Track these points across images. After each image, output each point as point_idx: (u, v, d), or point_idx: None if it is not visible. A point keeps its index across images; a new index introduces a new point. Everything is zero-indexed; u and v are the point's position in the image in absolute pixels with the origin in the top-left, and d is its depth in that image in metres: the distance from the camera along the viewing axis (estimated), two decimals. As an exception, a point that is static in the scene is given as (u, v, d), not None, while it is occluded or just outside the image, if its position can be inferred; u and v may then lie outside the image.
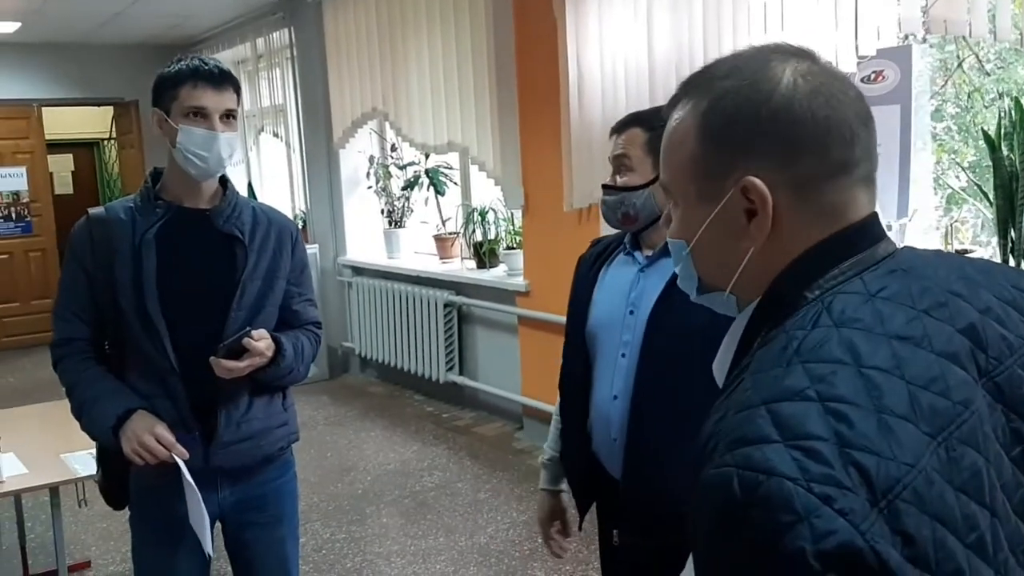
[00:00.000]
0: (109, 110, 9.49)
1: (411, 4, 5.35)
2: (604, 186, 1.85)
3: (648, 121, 1.81)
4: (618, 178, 1.82)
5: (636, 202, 1.79)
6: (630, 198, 1.79)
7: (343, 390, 6.26)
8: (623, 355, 1.80)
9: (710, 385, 1.73)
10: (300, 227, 6.68)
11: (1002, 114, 2.93)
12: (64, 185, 10.64)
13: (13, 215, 8.15)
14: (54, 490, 2.63)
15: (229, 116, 1.92)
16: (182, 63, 1.90)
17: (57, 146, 9.92)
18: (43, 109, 8.28)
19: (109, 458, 1.97)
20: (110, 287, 1.89)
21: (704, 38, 3.51)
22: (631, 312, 1.81)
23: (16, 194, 8.16)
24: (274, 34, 6.85)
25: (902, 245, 0.88)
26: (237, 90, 1.95)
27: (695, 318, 1.75)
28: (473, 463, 4.66)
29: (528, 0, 4.47)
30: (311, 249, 6.30)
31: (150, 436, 1.84)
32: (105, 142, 11.13)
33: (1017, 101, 2.85)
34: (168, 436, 1.86)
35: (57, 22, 6.89)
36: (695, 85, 0.87)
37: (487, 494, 4.23)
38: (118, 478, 2.00)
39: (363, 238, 6.55)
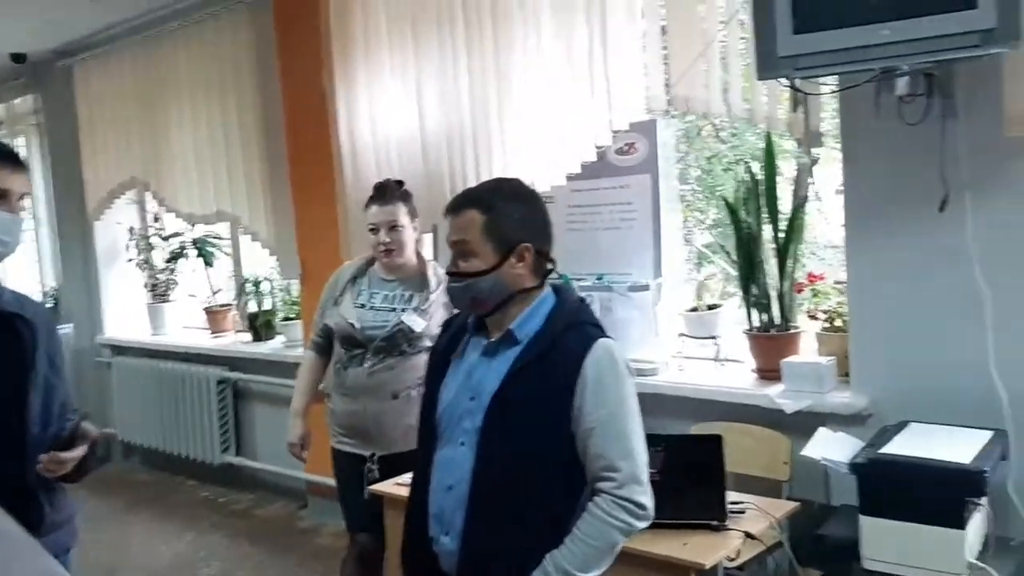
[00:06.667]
0: None
1: (171, 68, 5.13)
2: (449, 272, 1.78)
3: (485, 202, 1.73)
4: (461, 263, 1.74)
5: (484, 287, 1.72)
6: (477, 284, 1.72)
7: (103, 481, 5.73)
8: (462, 443, 1.72)
9: (551, 481, 1.64)
10: (51, 306, 6.15)
11: (738, 181, 3.25)
12: None
13: None
14: None
15: None
16: None
17: None
18: None
19: None
20: None
21: (472, 109, 3.64)
22: (472, 399, 1.73)
23: None
24: (16, 100, 6.34)
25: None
26: None
27: (538, 406, 1.65)
28: (254, 548, 4.41)
29: (294, 69, 4.42)
30: (64, 329, 5.79)
31: None
32: None
33: (749, 168, 3.18)
34: None
35: None
36: None
37: (271, 580, 4.01)
38: None
39: (124, 314, 6.09)
